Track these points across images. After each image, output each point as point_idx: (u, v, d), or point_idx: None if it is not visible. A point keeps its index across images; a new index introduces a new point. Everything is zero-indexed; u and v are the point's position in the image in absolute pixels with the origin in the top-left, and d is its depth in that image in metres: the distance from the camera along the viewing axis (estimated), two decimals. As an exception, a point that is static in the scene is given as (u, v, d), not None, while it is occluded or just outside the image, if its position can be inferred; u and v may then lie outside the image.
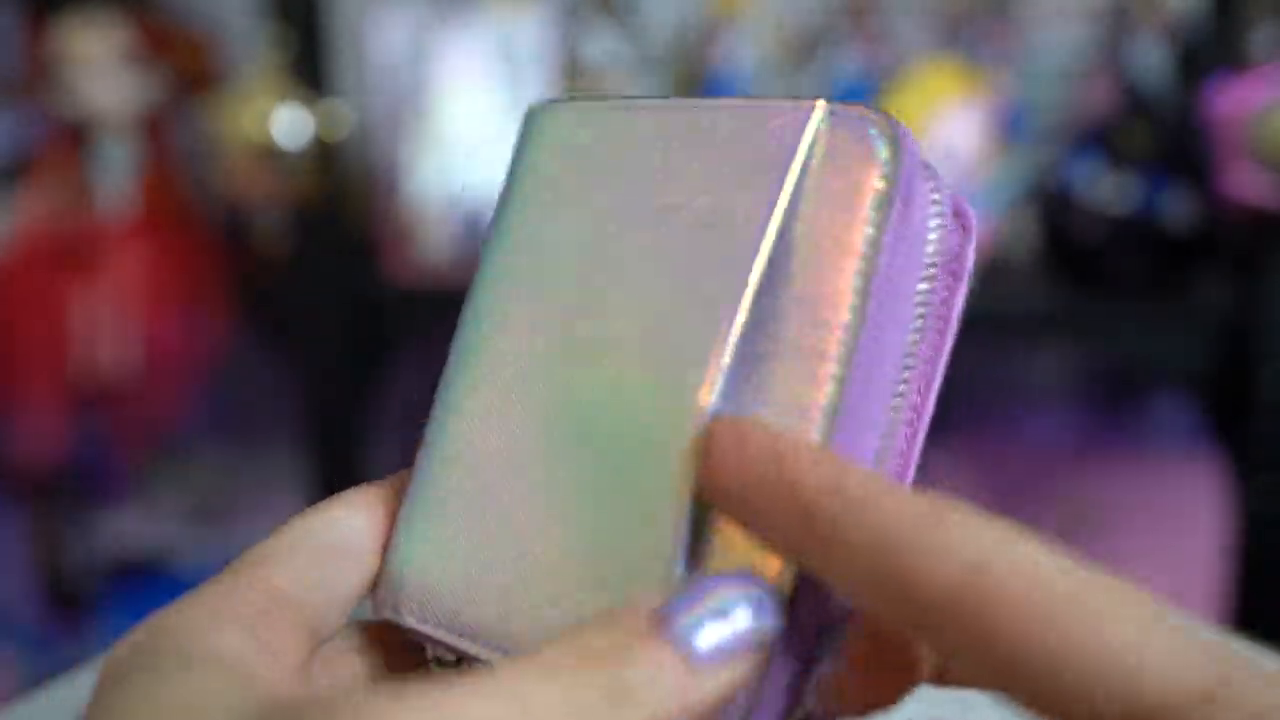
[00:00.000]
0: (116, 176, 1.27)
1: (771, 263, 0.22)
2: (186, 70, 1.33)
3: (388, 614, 0.26)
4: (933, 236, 0.23)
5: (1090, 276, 1.19)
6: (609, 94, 0.27)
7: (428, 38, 1.31)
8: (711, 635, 0.19)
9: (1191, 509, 1.27)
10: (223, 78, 1.37)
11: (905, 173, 0.22)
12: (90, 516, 1.40)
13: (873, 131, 0.22)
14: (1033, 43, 1.37)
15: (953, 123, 1.23)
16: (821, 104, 0.23)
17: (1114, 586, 0.17)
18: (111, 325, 1.23)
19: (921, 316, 0.23)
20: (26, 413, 1.23)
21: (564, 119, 0.27)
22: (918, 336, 0.23)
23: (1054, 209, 1.24)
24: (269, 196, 1.27)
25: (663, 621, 0.19)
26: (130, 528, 1.42)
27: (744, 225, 0.22)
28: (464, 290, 0.27)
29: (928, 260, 0.23)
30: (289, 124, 1.25)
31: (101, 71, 1.25)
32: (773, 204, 0.22)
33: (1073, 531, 1.32)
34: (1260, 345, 1.07)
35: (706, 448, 0.21)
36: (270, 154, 1.25)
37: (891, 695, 0.22)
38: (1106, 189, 1.19)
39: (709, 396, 0.22)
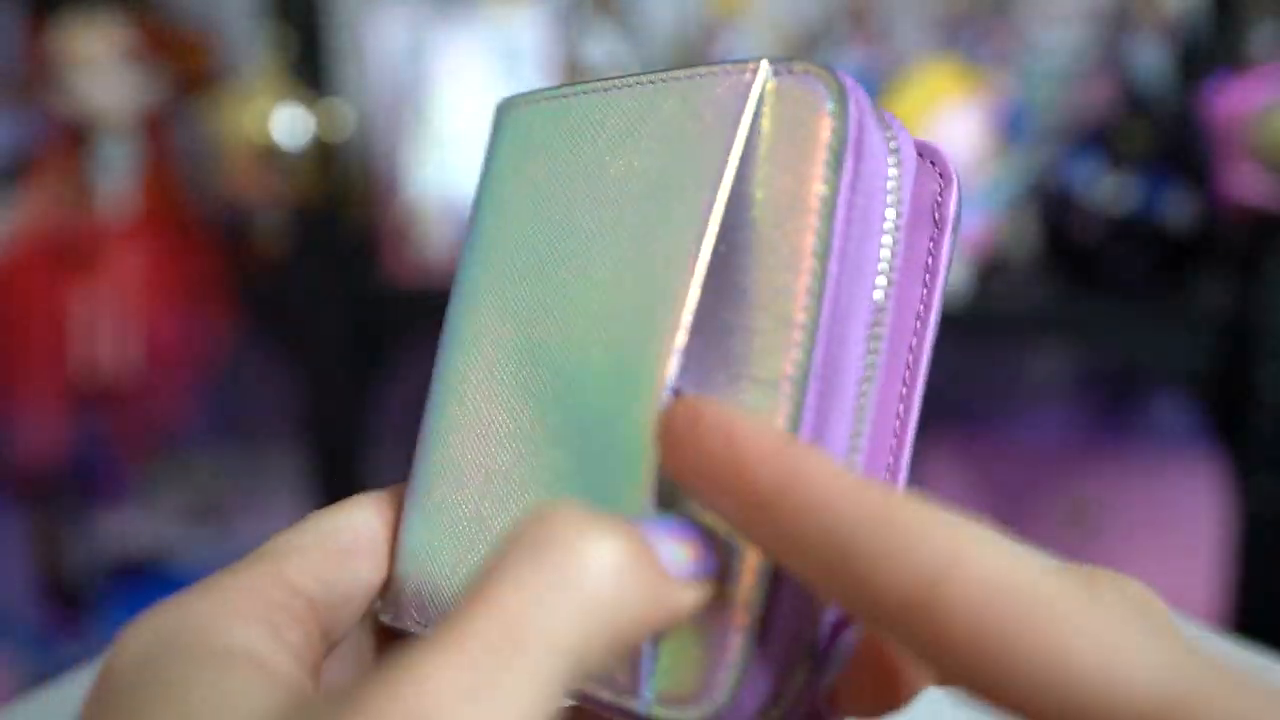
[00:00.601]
0: (116, 176, 1.27)
1: (725, 229, 0.21)
2: (186, 70, 1.33)
3: (389, 619, 0.26)
4: (891, 185, 0.22)
5: (1090, 276, 1.19)
6: (575, 81, 0.27)
7: (427, 38, 1.31)
8: (677, 552, 0.19)
9: (1190, 508, 1.27)
10: (222, 78, 1.37)
11: (854, 125, 0.21)
12: (90, 516, 1.40)
13: (819, 87, 0.21)
14: (1032, 43, 1.36)
15: (953, 123, 1.23)
16: (765, 63, 0.22)
17: (1082, 593, 0.16)
18: (111, 325, 1.23)
19: (889, 269, 0.22)
20: (27, 413, 1.23)
21: (527, 111, 0.27)
22: (885, 290, 0.22)
23: (1054, 209, 1.24)
24: (269, 196, 1.28)
25: (644, 528, 0.19)
26: (130, 527, 1.42)
27: (694, 192, 0.21)
28: None
29: (890, 211, 0.22)
30: (288, 124, 1.25)
31: (101, 71, 1.25)
32: (722, 169, 0.21)
33: (1072, 531, 1.32)
34: (1259, 345, 1.07)
35: (663, 428, 0.20)
36: (270, 154, 1.25)
37: (896, 698, 0.21)
38: (1106, 189, 1.19)
39: (665, 373, 0.21)
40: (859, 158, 0.21)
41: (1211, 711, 0.15)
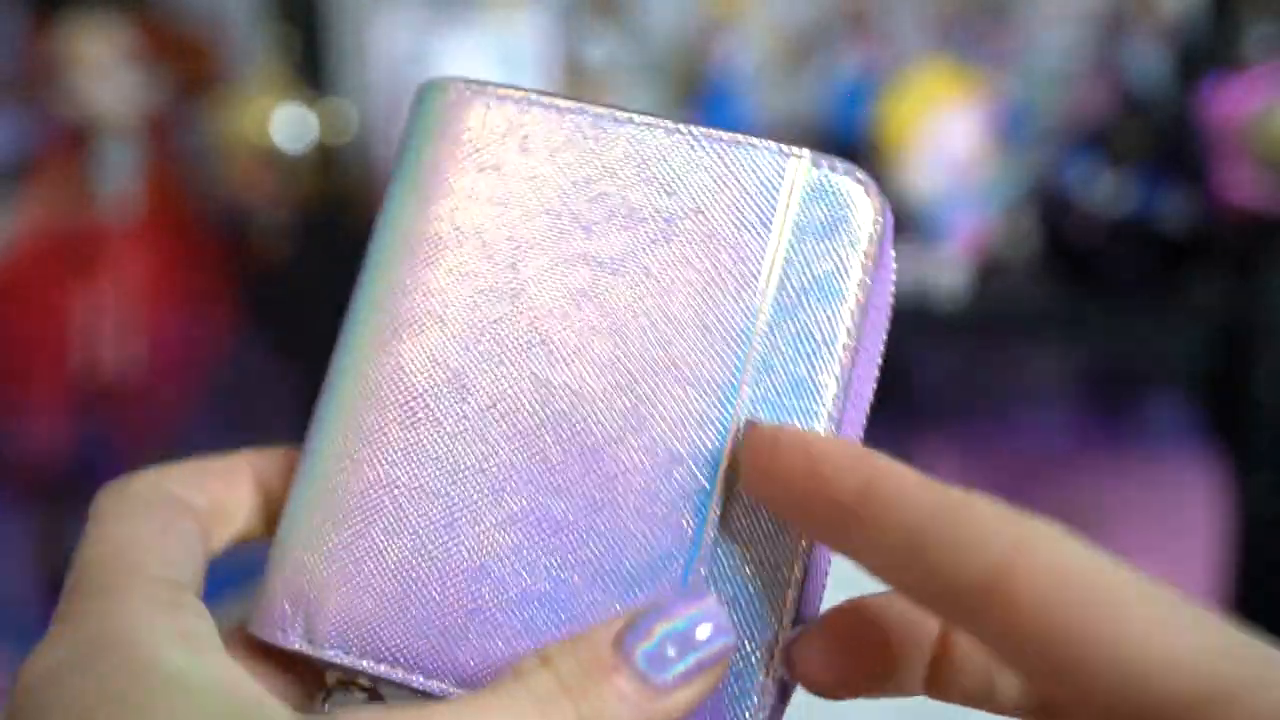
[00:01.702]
0: (118, 178, 1.27)
1: (778, 293, 0.24)
2: (188, 72, 1.33)
3: (295, 643, 0.24)
4: (895, 264, 0.26)
5: (1088, 277, 1.20)
6: (527, 89, 0.27)
7: (428, 40, 1.31)
8: (671, 659, 0.20)
9: (1187, 507, 1.27)
10: (224, 80, 1.37)
11: (890, 224, 0.25)
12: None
13: (863, 188, 0.24)
14: (1030, 44, 1.37)
15: (951, 124, 1.24)
16: (808, 154, 0.25)
17: (1140, 583, 0.17)
18: (114, 326, 1.24)
19: (885, 323, 0.26)
20: (30, 412, 1.23)
21: (478, 104, 0.26)
22: (883, 340, 0.26)
23: (1052, 210, 1.24)
24: (270, 198, 1.28)
25: (622, 649, 0.20)
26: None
27: (743, 257, 0.24)
28: None
29: (893, 278, 0.26)
30: (290, 126, 1.26)
31: (103, 73, 1.26)
32: (770, 241, 0.24)
33: (1070, 527, 1.32)
34: (1256, 345, 1.08)
35: (746, 452, 0.22)
36: (271, 156, 1.26)
37: (868, 684, 0.22)
38: (1104, 190, 1.20)
39: (739, 406, 0.23)
40: (885, 250, 0.25)
41: (1264, 706, 0.16)
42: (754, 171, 0.24)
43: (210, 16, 1.42)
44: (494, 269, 0.25)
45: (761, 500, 0.22)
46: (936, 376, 1.47)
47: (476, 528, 0.23)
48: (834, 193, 0.24)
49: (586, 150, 0.25)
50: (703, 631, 0.21)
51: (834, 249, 0.24)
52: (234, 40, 1.41)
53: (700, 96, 1.36)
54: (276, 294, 1.30)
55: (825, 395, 0.23)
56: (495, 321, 0.24)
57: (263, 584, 0.25)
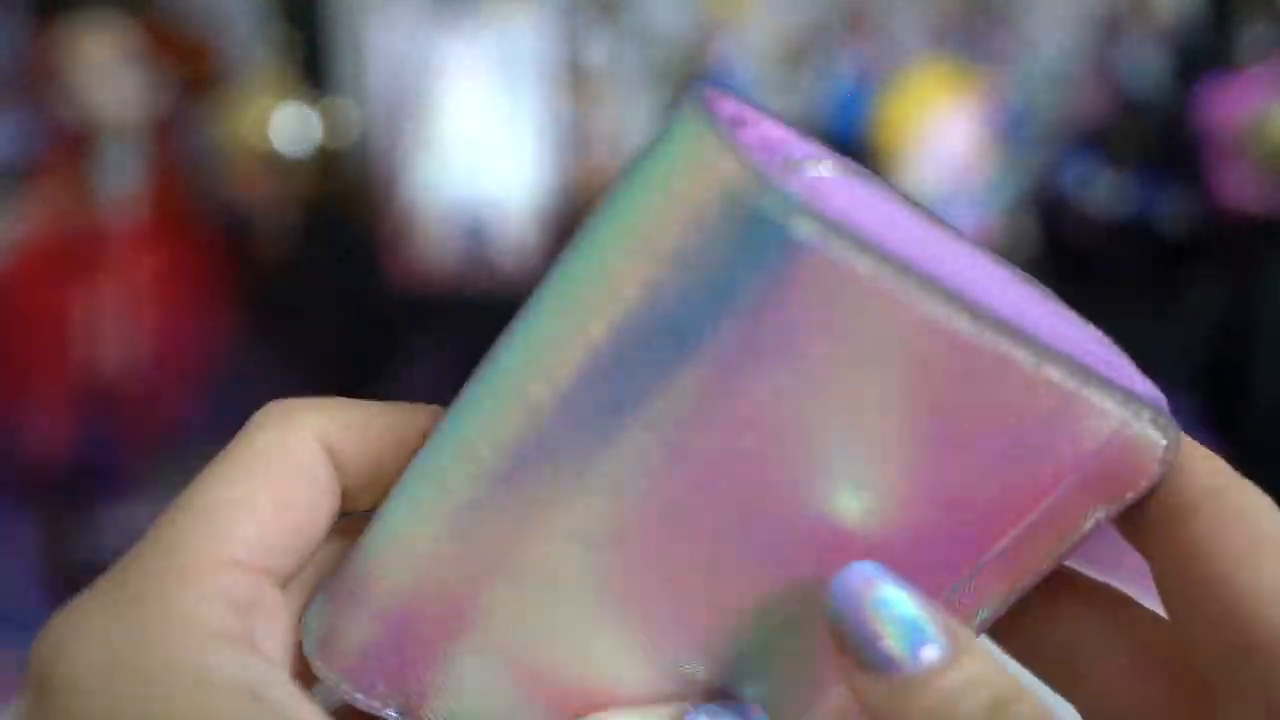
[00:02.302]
0: (121, 180, 1.27)
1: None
2: (191, 73, 1.33)
3: (323, 670, 0.21)
4: None
5: (1086, 278, 1.20)
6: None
7: (429, 42, 1.32)
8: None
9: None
10: (227, 81, 1.37)
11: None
12: (96, 514, 1.41)
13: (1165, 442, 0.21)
14: (1028, 46, 1.37)
15: (949, 125, 1.24)
16: (1156, 419, 0.21)
17: None
18: (115, 326, 1.24)
19: None
20: (33, 412, 1.24)
21: (811, 227, 0.17)
22: None
23: (1050, 211, 1.25)
24: (272, 199, 1.28)
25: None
26: (135, 525, 1.43)
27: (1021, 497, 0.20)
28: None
29: None
30: (292, 127, 1.26)
31: (106, 74, 1.26)
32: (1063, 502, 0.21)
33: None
34: (1254, 344, 1.08)
35: None
36: (273, 157, 1.26)
37: None
38: (1102, 191, 1.20)
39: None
40: None
41: None
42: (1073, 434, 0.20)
43: (211, 17, 1.43)
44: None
45: None
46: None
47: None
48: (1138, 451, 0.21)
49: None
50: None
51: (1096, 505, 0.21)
52: (235, 41, 1.42)
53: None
54: (277, 295, 1.31)
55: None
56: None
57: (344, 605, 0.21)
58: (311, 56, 1.26)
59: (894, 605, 0.18)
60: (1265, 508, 0.19)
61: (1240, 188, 1.11)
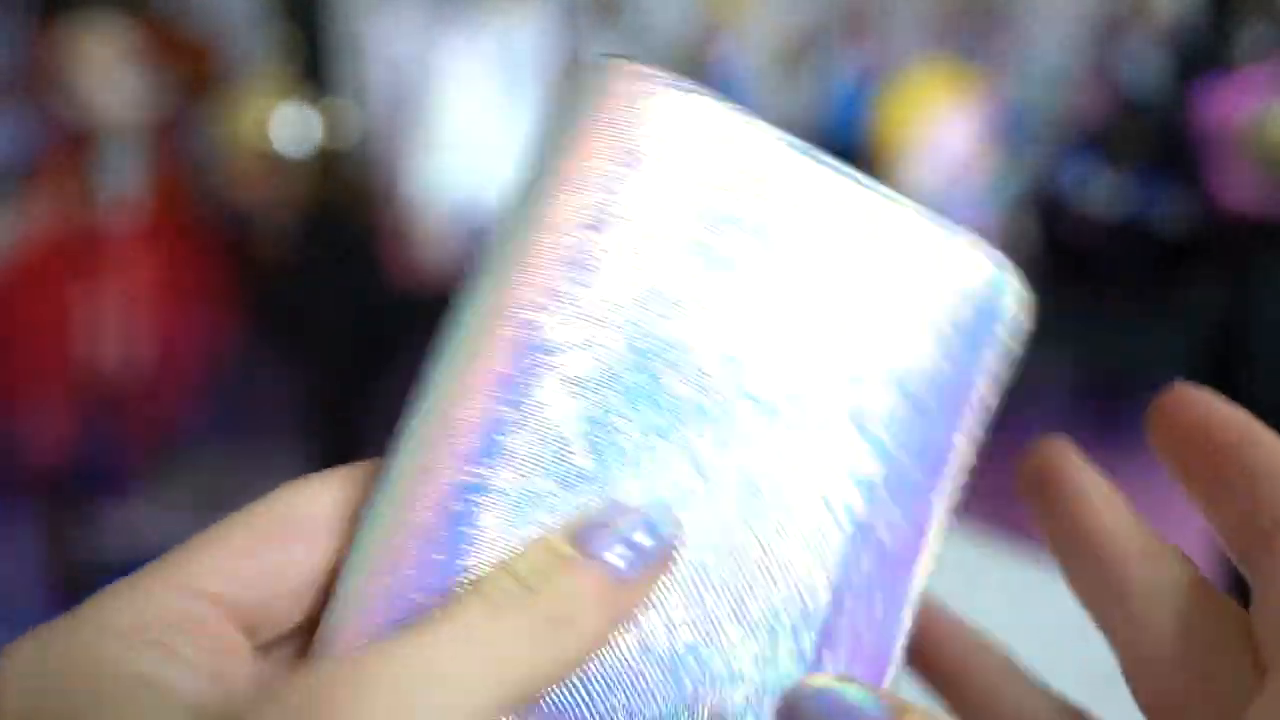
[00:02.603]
0: (121, 179, 1.27)
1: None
2: (192, 74, 1.33)
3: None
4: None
5: (1084, 278, 1.20)
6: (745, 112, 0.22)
7: (429, 42, 1.32)
8: (626, 552, 0.20)
9: (1183, 506, 1.28)
10: (228, 81, 1.37)
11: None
12: (97, 513, 1.41)
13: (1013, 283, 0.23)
14: (1027, 46, 1.38)
15: (948, 125, 1.24)
16: (1001, 261, 0.23)
17: None
18: (118, 326, 1.24)
19: None
20: (35, 412, 1.24)
21: (668, 97, 0.21)
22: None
23: (1049, 211, 1.25)
24: (273, 200, 1.28)
25: (584, 547, 0.20)
26: (137, 524, 1.43)
27: (956, 385, 0.23)
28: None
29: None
30: (293, 128, 1.26)
31: (106, 75, 1.26)
32: (977, 369, 0.23)
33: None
34: (1252, 345, 1.08)
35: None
36: (274, 158, 1.26)
37: None
38: (1101, 192, 1.21)
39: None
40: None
41: None
42: (967, 287, 0.22)
43: (211, 18, 1.43)
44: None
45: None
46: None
47: None
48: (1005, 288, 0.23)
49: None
50: (647, 532, 0.21)
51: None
52: (235, 41, 1.42)
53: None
54: (278, 295, 1.31)
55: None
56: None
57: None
58: (311, 56, 1.26)
59: (841, 695, 0.20)
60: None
61: (1239, 188, 1.11)
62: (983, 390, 0.23)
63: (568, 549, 0.20)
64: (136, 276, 1.24)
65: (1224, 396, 0.20)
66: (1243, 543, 0.21)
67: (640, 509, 0.21)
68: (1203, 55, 1.21)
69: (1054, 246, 1.23)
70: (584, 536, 0.20)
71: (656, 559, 0.21)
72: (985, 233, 0.23)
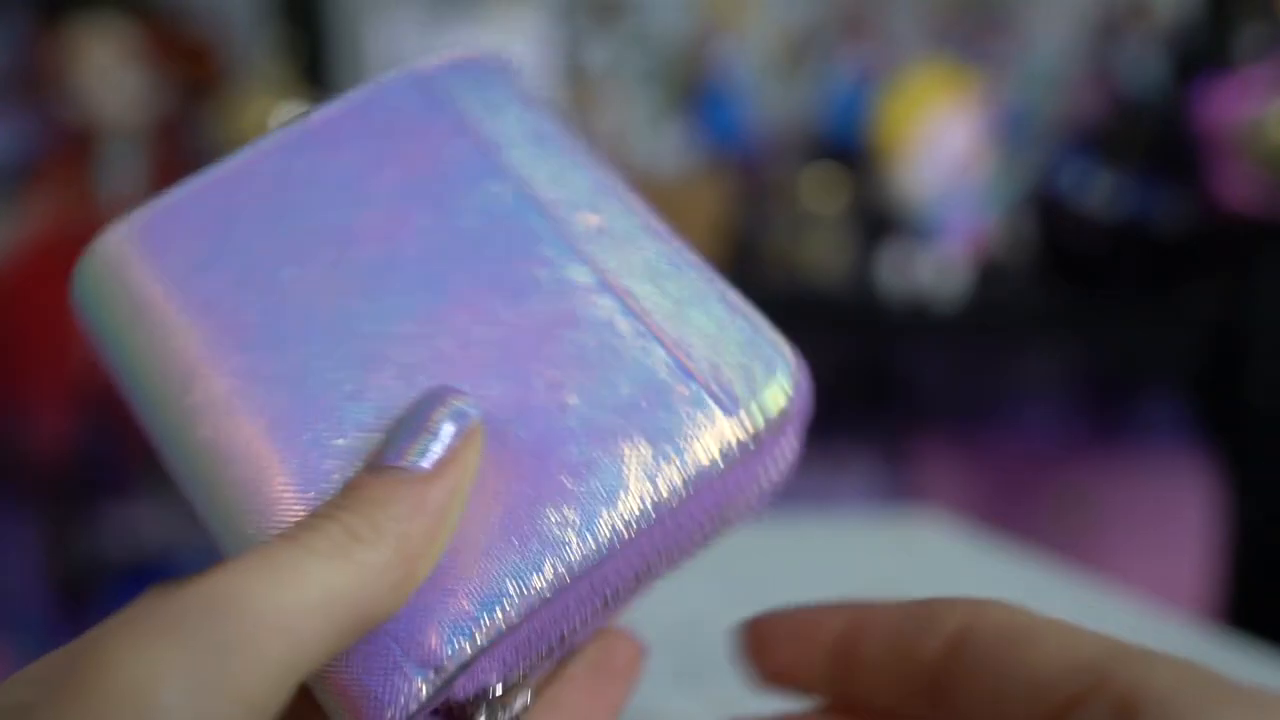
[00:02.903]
0: (123, 179, 1.28)
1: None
2: (193, 74, 1.34)
3: None
4: None
5: (1084, 279, 1.20)
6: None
7: (429, 43, 1.32)
8: (425, 449, 0.21)
9: (1181, 503, 1.28)
10: (229, 82, 1.38)
11: None
12: (98, 512, 1.41)
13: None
14: (1026, 47, 1.38)
15: (948, 126, 1.25)
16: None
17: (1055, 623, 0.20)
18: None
19: None
20: (36, 411, 1.24)
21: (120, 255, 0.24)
22: None
23: (1048, 212, 1.25)
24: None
25: (382, 460, 0.21)
26: (137, 523, 1.43)
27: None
28: None
29: None
30: (293, 127, 1.26)
31: (108, 75, 1.26)
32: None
33: (1066, 525, 1.33)
34: (1250, 345, 1.09)
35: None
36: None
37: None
38: (1100, 193, 1.21)
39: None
40: None
41: (1135, 672, 0.18)
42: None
43: (212, 18, 1.43)
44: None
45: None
46: (934, 377, 1.48)
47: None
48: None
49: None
50: (448, 427, 0.21)
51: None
52: (235, 41, 1.42)
53: (698, 99, 1.37)
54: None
55: None
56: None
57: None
58: (311, 56, 1.26)
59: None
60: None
61: (1237, 189, 1.11)
62: None
63: (364, 475, 0.20)
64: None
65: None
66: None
67: (435, 409, 0.21)
68: (1202, 56, 1.21)
69: (1052, 246, 1.24)
70: (384, 454, 0.21)
71: (456, 446, 0.21)
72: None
